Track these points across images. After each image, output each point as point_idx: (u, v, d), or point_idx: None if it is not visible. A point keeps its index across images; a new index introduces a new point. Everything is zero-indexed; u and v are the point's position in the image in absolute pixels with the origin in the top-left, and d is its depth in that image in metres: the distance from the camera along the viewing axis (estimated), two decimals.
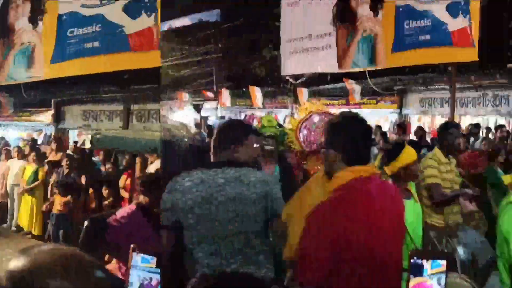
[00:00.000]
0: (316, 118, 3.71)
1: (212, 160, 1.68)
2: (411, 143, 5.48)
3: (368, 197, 1.19)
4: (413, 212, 2.08)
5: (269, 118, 3.64)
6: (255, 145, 1.71)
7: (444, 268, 0.73)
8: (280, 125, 4.02)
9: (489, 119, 9.72)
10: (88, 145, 7.41)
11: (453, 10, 6.22)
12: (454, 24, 6.17)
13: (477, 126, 8.38)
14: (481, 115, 9.77)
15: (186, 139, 4.65)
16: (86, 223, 2.69)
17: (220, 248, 1.54)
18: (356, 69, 9.29)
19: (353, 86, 11.02)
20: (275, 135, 3.48)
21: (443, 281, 0.73)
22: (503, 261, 1.76)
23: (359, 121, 1.37)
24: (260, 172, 1.73)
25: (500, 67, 8.95)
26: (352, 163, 1.24)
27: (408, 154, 2.12)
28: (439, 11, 6.37)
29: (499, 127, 8.15)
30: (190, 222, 1.56)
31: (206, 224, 1.55)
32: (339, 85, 11.96)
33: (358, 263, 1.13)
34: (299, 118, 3.92)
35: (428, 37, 6.49)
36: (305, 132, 3.67)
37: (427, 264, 0.72)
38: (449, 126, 3.04)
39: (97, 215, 3.60)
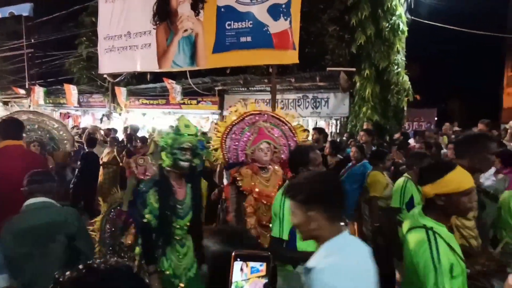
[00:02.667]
0: (248, 122, 3.01)
1: None
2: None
3: (4, 154, 2.75)
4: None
5: (186, 121, 2.55)
6: None
7: (263, 273, 0.64)
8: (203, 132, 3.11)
9: (309, 121, 9.84)
10: None
11: (274, 13, 6.39)
12: (275, 26, 6.37)
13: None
14: (302, 116, 9.68)
15: None
16: None
17: None
18: (177, 69, 9.31)
19: (174, 86, 10.96)
20: (191, 146, 2.43)
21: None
22: None
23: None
24: None
25: (320, 70, 9.00)
26: (6, 139, 2.80)
27: (460, 177, 1.53)
28: (261, 13, 6.52)
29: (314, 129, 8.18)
30: None
31: None
32: (159, 84, 11.69)
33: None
34: (229, 121, 3.05)
35: (249, 38, 6.66)
36: (229, 140, 2.99)
37: (246, 268, 0.65)
38: None
39: None
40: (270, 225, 2.39)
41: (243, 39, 6.77)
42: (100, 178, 6.06)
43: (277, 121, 3.14)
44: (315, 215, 1.29)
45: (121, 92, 11.57)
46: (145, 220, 2.29)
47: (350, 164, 4.31)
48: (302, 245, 2.01)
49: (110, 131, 9.01)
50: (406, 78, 8.05)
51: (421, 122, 10.41)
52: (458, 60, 18.95)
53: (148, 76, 11.02)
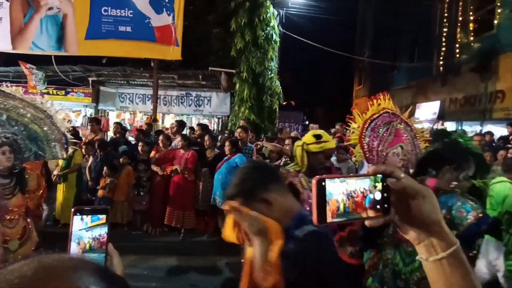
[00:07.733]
0: (383, 121, 2.58)
1: None
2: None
3: None
4: None
5: None
6: None
7: (104, 221, 0.75)
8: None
9: (192, 119, 10.09)
10: None
11: (156, 6, 6.31)
12: (158, 20, 6.32)
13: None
14: (185, 114, 9.99)
15: None
16: None
17: None
18: (38, 52, 8.11)
19: (34, 72, 9.43)
20: None
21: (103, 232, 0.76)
22: None
23: None
24: None
25: (203, 69, 9.17)
26: None
27: None
28: (142, 4, 6.35)
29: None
30: None
31: None
32: (12, 68, 9.98)
33: None
34: (365, 117, 2.57)
35: (129, 28, 6.43)
36: (368, 137, 2.55)
37: (87, 218, 0.75)
38: None
39: None
40: None
41: (122, 28, 6.48)
42: None
43: (406, 126, 2.76)
44: None
45: None
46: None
47: (226, 157, 4.68)
48: None
49: None
50: (278, 83, 9.07)
51: (291, 123, 11.88)
52: (322, 73, 22.47)
53: None
